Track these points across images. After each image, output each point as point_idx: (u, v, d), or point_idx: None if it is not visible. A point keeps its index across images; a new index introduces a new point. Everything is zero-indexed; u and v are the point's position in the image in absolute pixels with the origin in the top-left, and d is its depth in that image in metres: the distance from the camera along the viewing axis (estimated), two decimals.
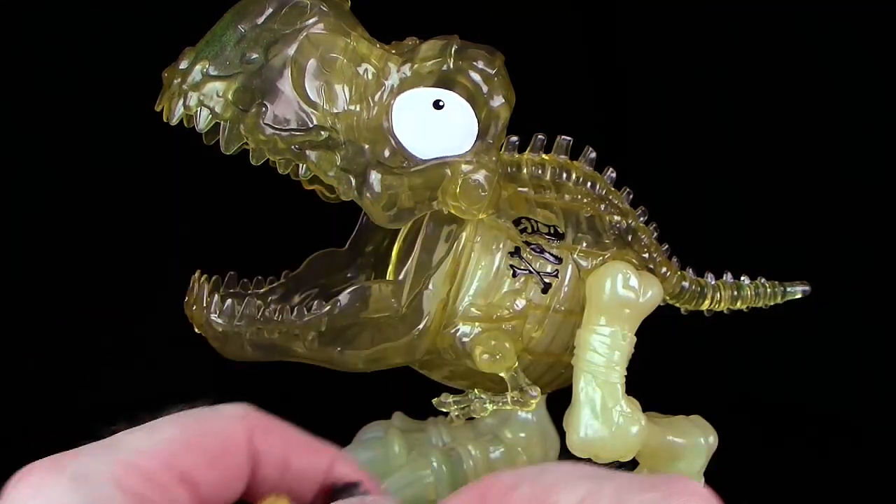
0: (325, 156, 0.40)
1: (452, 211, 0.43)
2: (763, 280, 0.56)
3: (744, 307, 0.56)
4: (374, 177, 0.41)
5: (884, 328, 0.65)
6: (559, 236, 0.47)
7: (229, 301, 0.43)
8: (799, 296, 0.57)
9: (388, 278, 0.46)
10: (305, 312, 0.43)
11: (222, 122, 0.39)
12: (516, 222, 0.46)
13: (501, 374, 0.45)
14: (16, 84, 0.63)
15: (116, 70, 0.61)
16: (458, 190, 0.42)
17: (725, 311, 0.55)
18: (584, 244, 0.47)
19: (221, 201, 0.66)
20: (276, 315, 0.43)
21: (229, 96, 0.39)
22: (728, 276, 0.55)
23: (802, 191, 0.68)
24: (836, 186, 0.68)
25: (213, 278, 0.44)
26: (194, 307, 0.43)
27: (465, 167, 0.42)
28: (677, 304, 0.53)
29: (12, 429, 0.58)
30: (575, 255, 0.47)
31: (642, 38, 0.70)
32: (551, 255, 0.46)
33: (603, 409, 0.44)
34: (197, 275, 0.44)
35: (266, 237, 0.62)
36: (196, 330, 0.44)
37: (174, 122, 0.39)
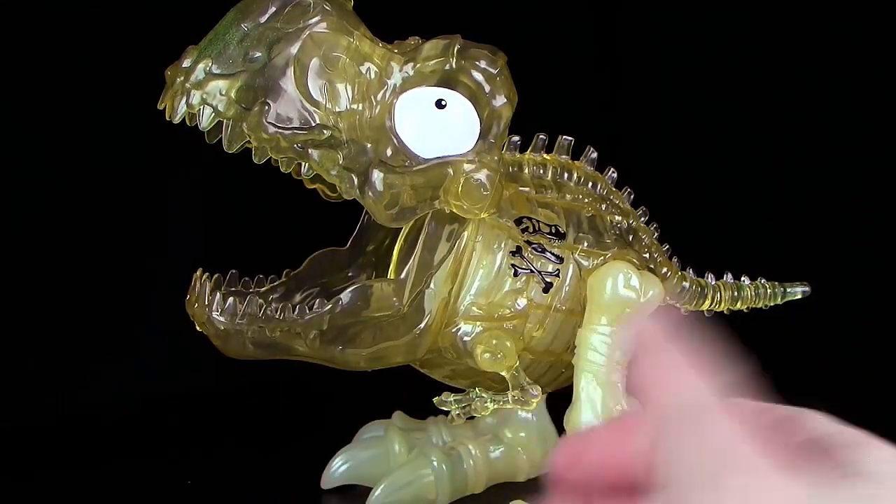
0: (327, 154, 0.40)
1: (454, 210, 0.43)
2: (763, 280, 0.56)
3: (744, 307, 0.56)
4: (377, 175, 0.41)
5: (884, 328, 0.65)
6: (560, 236, 0.47)
7: (231, 299, 0.43)
8: (799, 296, 0.57)
9: (389, 277, 0.46)
10: (307, 311, 0.43)
11: (225, 121, 0.39)
12: (518, 222, 0.46)
13: (502, 374, 0.45)
14: (17, 84, 0.63)
15: (119, 69, 0.61)
16: (460, 189, 0.42)
17: (725, 312, 0.55)
18: (586, 244, 0.47)
19: (223, 200, 0.66)
20: (278, 313, 0.43)
21: (232, 95, 0.38)
22: (728, 277, 0.55)
23: (802, 191, 0.68)
24: (836, 186, 0.68)
25: (215, 276, 0.44)
26: (196, 305, 0.43)
27: (467, 166, 0.42)
28: (678, 305, 0.53)
29: (12, 428, 0.58)
30: (576, 255, 0.47)
31: (644, 39, 0.70)
32: (552, 254, 0.46)
33: (604, 408, 0.44)
34: (199, 273, 0.44)
35: (268, 236, 0.62)
36: (197, 328, 0.44)
37: (177, 120, 0.39)
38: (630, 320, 0.46)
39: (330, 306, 0.43)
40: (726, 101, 0.69)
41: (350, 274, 0.49)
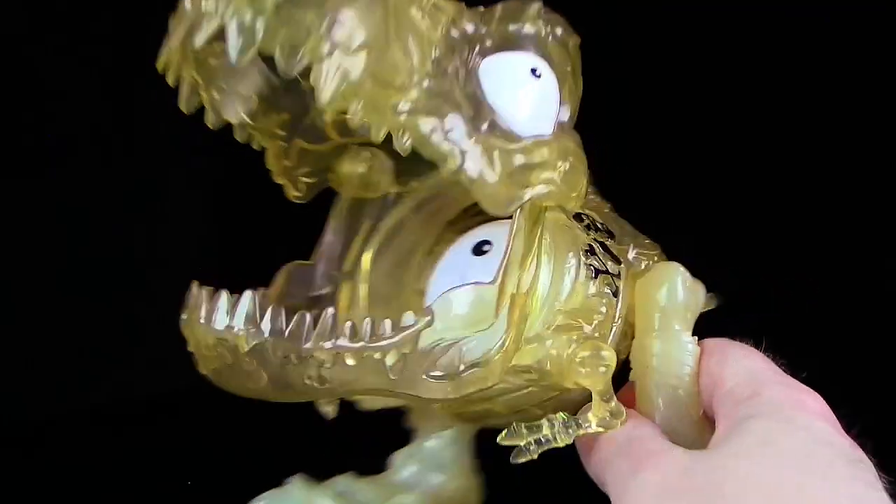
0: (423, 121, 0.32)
1: (547, 200, 0.35)
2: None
3: None
4: (476, 152, 0.33)
5: (884, 328, 0.65)
6: (612, 235, 0.42)
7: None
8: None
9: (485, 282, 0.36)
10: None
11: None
12: (577, 218, 0.40)
13: (596, 390, 0.37)
14: (17, 82, 0.63)
15: (117, 69, 0.61)
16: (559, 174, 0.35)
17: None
18: (632, 245, 0.42)
19: (222, 203, 0.66)
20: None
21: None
22: None
23: (802, 191, 0.68)
24: (836, 186, 0.68)
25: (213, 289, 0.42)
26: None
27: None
28: None
29: (12, 427, 0.58)
30: (630, 256, 0.41)
31: (644, 39, 0.70)
32: (613, 254, 0.40)
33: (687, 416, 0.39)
34: (195, 288, 0.40)
35: (266, 241, 0.62)
36: None
37: (200, 44, 0.30)
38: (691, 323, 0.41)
39: (426, 320, 0.33)
40: (726, 101, 0.68)
41: (321, 286, 0.42)
